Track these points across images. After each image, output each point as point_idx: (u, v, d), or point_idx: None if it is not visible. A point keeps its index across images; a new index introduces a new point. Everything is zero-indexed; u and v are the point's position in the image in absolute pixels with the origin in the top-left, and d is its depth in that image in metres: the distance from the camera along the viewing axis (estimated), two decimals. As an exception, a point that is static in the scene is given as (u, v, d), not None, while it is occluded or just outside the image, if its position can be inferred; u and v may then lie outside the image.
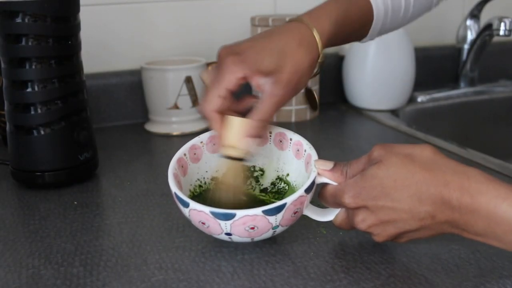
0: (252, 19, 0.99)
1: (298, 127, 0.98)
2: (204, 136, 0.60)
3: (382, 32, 0.68)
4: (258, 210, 0.49)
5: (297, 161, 0.60)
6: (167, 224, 0.61)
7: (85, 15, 0.75)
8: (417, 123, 1.02)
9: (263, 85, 0.54)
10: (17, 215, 0.64)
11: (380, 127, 0.97)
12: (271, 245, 0.55)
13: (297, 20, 0.58)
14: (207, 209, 0.50)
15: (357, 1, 0.63)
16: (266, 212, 0.49)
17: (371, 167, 0.49)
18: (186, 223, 0.61)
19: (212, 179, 0.61)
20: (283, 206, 0.49)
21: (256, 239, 0.52)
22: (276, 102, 0.54)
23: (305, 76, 0.56)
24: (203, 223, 0.51)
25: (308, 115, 1.01)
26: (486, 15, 1.14)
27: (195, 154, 0.60)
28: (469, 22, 1.18)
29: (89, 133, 0.73)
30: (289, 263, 0.52)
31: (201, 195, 0.60)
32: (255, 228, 0.50)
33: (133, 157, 0.83)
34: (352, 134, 0.99)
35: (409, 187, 0.47)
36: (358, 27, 0.64)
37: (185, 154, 0.59)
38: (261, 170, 0.63)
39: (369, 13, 0.64)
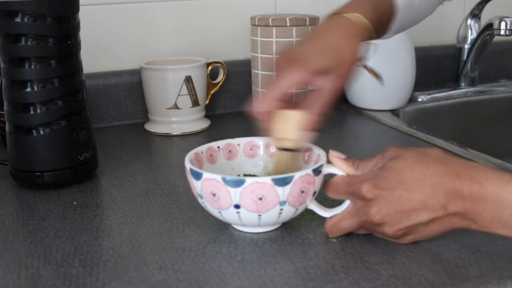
0: (252, 19, 0.99)
1: (298, 127, 0.97)
2: (221, 143, 0.63)
3: (398, 30, 0.71)
4: (267, 178, 0.51)
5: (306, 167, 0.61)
6: (167, 224, 0.60)
7: (85, 15, 0.75)
8: (417, 123, 1.02)
9: (322, 83, 0.58)
10: (17, 215, 0.64)
11: (380, 127, 0.97)
12: (271, 245, 0.55)
13: (339, 13, 0.62)
14: (218, 177, 0.52)
15: None
16: (275, 181, 0.51)
17: (390, 161, 0.52)
18: (186, 223, 0.61)
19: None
20: (291, 178, 0.52)
21: (263, 217, 0.53)
22: (335, 95, 0.58)
23: (355, 65, 0.61)
24: (214, 194, 0.53)
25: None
26: (487, 14, 1.14)
27: (211, 155, 0.63)
28: (469, 22, 1.18)
29: (89, 133, 0.73)
30: (289, 263, 0.52)
31: None
32: (263, 199, 0.52)
33: (133, 157, 0.83)
34: (352, 134, 0.99)
35: (424, 178, 0.50)
36: (384, 22, 0.67)
37: (202, 152, 0.61)
38: None
39: (392, 8, 0.67)
